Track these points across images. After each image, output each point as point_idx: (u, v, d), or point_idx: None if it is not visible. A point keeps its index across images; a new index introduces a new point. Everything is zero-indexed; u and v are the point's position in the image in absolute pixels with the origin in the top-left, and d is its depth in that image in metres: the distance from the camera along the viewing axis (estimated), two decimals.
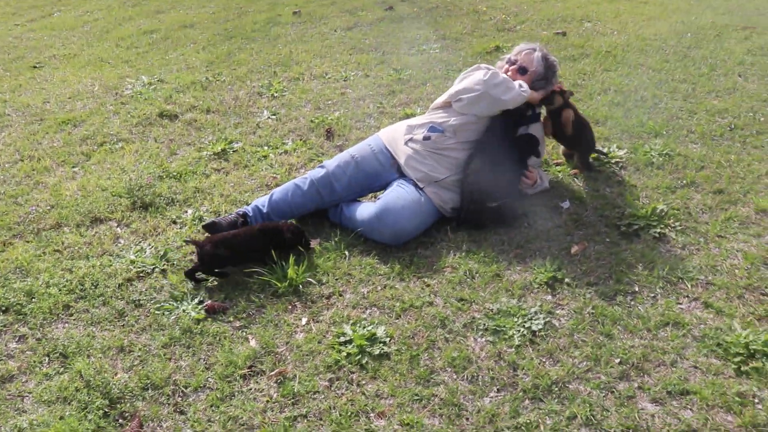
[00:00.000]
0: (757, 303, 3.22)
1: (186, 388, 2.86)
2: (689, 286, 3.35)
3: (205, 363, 3.00)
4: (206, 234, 3.75)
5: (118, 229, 4.11)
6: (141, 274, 3.64)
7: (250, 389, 2.84)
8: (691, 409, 2.64)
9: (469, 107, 3.99)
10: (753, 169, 4.47)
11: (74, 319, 3.33)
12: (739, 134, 5.04)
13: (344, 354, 3.00)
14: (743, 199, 4.11)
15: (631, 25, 8.34)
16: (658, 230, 3.80)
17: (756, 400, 2.67)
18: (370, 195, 4.19)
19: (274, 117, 5.80)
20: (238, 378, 2.89)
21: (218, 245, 3.52)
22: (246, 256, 3.61)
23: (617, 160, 4.65)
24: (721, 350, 2.92)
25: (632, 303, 3.25)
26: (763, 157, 4.65)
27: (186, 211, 4.25)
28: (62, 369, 3.00)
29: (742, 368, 2.81)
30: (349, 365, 2.94)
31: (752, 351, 2.88)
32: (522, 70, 4.20)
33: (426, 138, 4.01)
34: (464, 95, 3.99)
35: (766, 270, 3.46)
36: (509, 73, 4.23)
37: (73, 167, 5.00)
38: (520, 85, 4.02)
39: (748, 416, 2.57)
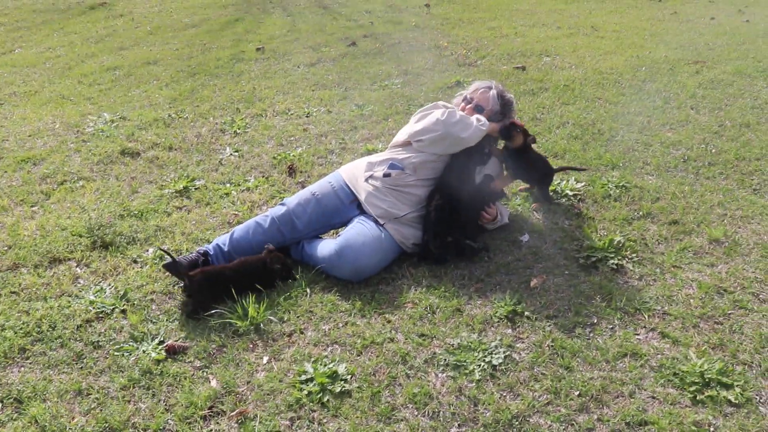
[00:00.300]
0: (711, 332, 3.29)
1: (145, 430, 2.80)
2: (646, 317, 3.41)
3: (165, 404, 2.95)
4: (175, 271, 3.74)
5: (78, 269, 4.05)
6: (100, 315, 3.58)
7: (211, 430, 2.80)
8: None
9: (430, 147, 4.05)
10: (706, 199, 4.59)
11: (30, 363, 3.25)
12: (692, 166, 5.18)
13: (305, 392, 2.98)
14: (697, 230, 4.21)
15: (588, 60, 8.55)
16: (616, 262, 3.87)
17: (712, 429, 2.71)
18: (331, 232, 4.20)
19: (236, 154, 5.80)
20: (198, 419, 2.85)
21: (209, 277, 3.57)
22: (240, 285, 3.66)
23: (575, 192, 4.73)
24: (678, 380, 2.97)
25: (591, 335, 3.29)
26: (715, 188, 4.78)
27: (147, 250, 4.20)
28: (16, 415, 2.91)
29: (697, 397, 2.86)
30: (311, 403, 2.92)
31: (707, 380, 2.93)
32: (478, 109, 4.29)
33: (386, 175, 4.04)
34: (424, 136, 4.04)
35: (720, 299, 3.54)
36: (465, 112, 4.30)
37: (32, 206, 4.92)
38: (478, 119, 4.09)
39: None
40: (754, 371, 3.03)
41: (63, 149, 6.04)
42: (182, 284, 3.75)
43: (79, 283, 3.92)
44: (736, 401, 2.83)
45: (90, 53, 10.19)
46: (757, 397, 2.88)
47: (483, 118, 4.13)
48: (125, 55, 9.92)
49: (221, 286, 3.61)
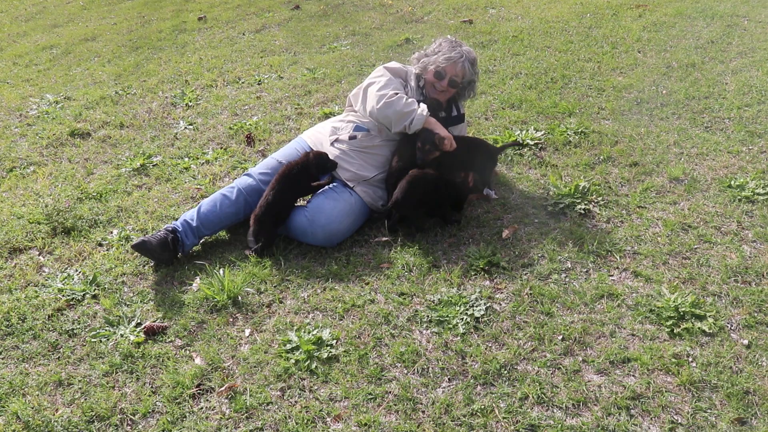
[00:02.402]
0: (681, 267, 3.39)
1: (134, 415, 2.77)
2: (618, 258, 3.50)
3: (151, 387, 2.91)
4: None
5: (41, 257, 3.93)
6: (71, 303, 3.50)
7: (201, 408, 2.78)
8: (633, 376, 2.77)
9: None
10: (662, 140, 4.70)
11: (3, 358, 3.16)
12: (645, 108, 5.28)
13: (293, 361, 2.98)
14: (657, 170, 4.32)
15: (533, 9, 8.57)
16: (583, 206, 3.94)
17: (690, 359, 2.82)
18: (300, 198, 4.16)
19: (191, 127, 5.67)
20: (187, 398, 2.83)
21: None
22: None
23: (536, 141, 4.78)
24: (654, 316, 3.07)
25: (567, 280, 3.36)
26: (669, 128, 4.89)
27: (111, 232, 4.11)
28: None
29: (674, 330, 2.97)
30: (299, 372, 2.93)
31: (682, 313, 3.04)
32: (452, 83, 4.13)
33: (352, 137, 4.01)
34: (366, 117, 4.05)
35: (685, 235, 3.65)
36: (440, 87, 4.14)
37: None
38: (420, 108, 3.92)
39: (685, 375, 2.72)
40: (723, 301, 3.15)
41: (7, 135, 5.82)
42: (153, 263, 3.69)
43: (44, 271, 3.82)
44: (710, 331, 2.95)
45: (21, 32, 9.77)
46: (729, 325, 3.00)
47: (422, 110, 3.89)
48: (60, 33, 9.54)
49: (280, 212, 3.82)
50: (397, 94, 3.91)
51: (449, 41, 4.20)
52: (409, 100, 3.91)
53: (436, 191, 3.84)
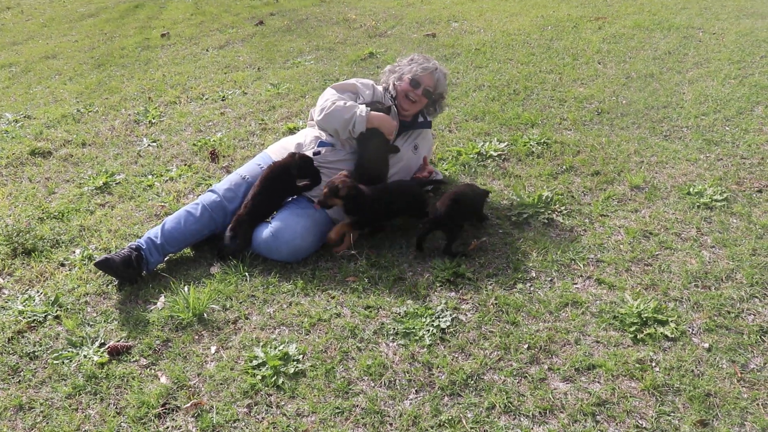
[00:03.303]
0: (643, 274, 3.45)
1: None
2: (581, 266, 3.54)
3: (116, 408, 2.86)
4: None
5: (0, 279, 3.85)
6: (32, 324, 3.42)
7: (168, 428, 2.74)
8: (598, 382, 2.79)
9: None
10: (623, 149, 4.78)
11: None
12: (606, 117, 5.37)
13: (259, 377, 2.95)
14: (618, 178, 4.39)
15: (495, 23, 8.69)
16: (546, 216, 3.98)
17: (653, 364, 2.86)
18: None
19: (154, 144, 5.62)
20: (153, 418, 2.78)
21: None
22: None
23: (500, 153, 4.83)
24: (618, 322, 3.10)
25: (532, 289, 3.39)
26: (629, 137, 4.97)
27: (74, 252, 4.04)
28: None
29: (638, 336, 3.01)
30: (266, 388, 2.90)
31: (644, 319, 3.08)
32: (426, 92, 4.15)
33: (316, 153, 4.01)
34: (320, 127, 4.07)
35: (647, 242, 3.71)
36: (414, 96, 4.13)
37: None
38: (360, 111, 3.91)
39: (649, 380, 2.75)
40: (684, 306, 3.20)
41: None
42: (117, 282, 3.64)
43: (4, 293, 3.73)
44: (672, 335, 2.99)
45: None
46: (690, 329, 3.05)
47: (362, 110, 3.89)
48: (20, 50, 9.41)
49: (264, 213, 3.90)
50: (334, 103, 3.93)
51: (422, 56, 4.27)
52: (348, 104, 3.93)
53: (479, 206, 3.97)
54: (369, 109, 3.92)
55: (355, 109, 3.89)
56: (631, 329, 3.04)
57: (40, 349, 3.25)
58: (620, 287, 3.35)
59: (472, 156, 4.80)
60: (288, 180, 3.90)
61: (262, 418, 2.75)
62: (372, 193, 3.79)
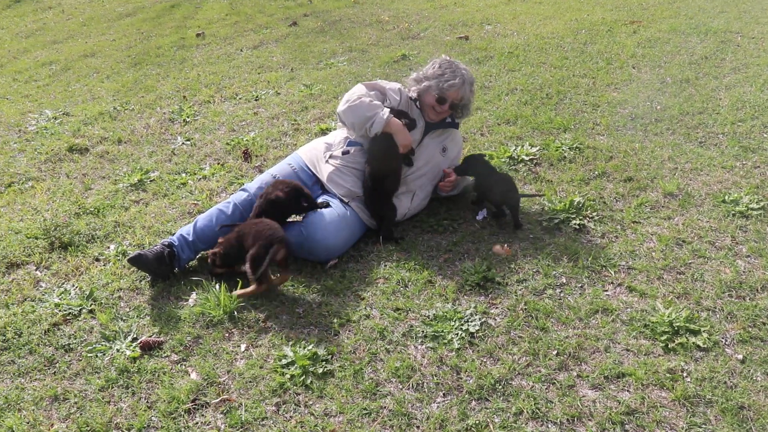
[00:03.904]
0: (675, 282, 3.41)
1: (129, 430, 2.77)
2: (612, 273, 3.51)
3: (147, 402, 2.91)
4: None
5: (38, 272, 3.94)
6: (68, 317, 3.50)
7: (197, 423, 2.78)
8: (628, 391, 2.77)
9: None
10: (656, 155, 4.73)
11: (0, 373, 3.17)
12: (640, 123, 5.32)
13: (288, 376, 2.98)
14: (651, 185, 4.34)
15: (528, 26, 8.64)
16: (578, 222, 3.96)
17: (685, 374, 2.83)
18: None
19: (188, 142, 5.70)
20: (182, 413, 2.82)
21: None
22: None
23: (531, 157, 4.81)
24: (649, 331, 3.07)
25: (562, 295, 3.37)
26: (663, 143, 4.92)
27: (108, 247, 4.11)
28: None
29: (669, 345, 2.97)
30: (294, 387, 2.93)
31: (676, 328, 3.05)
32: (453, 106, 4.16)
33: (345, 153, 4.03)
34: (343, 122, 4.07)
35: (680, 250, 3.67)
36: (439, 111, 4.15)
37: None
38: (381, 113, 3.91)
39: (680, 390, 2.72)
40: (717, 316, 3.16)
41: (6, 150, 5.84)
42: (149, 278, 3.71)
43: (41, 286, 3.81)
44: (705, 346, 2.96)
45: (22, 49, 9.82)
46: (723, 340, 3.01)
47: (384, 113, 3.90)
48: (60, 49, 9.59)
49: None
50: (361, 98, 3.93)
51: (449, 64, 4.16)
52: (374, 102, 3.93)
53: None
54: (391, 114, 3.92)
55: (378, 110, 3.90)
56: (663, 338, 3.01)
57: (74, 341, 3.32)
58: (652, 295, 3.32)
59: (503, 160, 4.78)
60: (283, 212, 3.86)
61: (290, 416, 2.78)
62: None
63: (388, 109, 3.94)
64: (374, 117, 3.87)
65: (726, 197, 4.10)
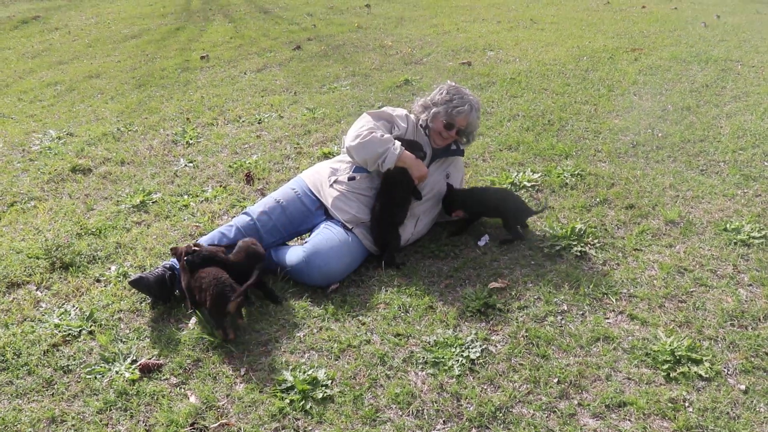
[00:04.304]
0: (677, 310, 3.40)
1: None
2: (614, 301, 3.50)
3: (145, 425, 2.89)
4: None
5: (38, 292, 3.93)
6: (67, 338, 3.48)
7: None
8: (629, 420, 2.75)
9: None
10: (658, 182, 4.74)
11: None
12: (641, 150, 5.34)
13: (287, 401, 2.96)
14: (653, 212, 4.35)
15: (531, 52, 8.71)
16: (579, 249, 3.96)
17: (687, 404, 2.81)
18: (297, 238, 4.18)
19: (191, 164, 5.72)
20: None
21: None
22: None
23: (533, 183, 4.82)
24: (650, 359, 3.06)
25: (563, 322, 3.37)
26: (665, 170, 4.93)
27: (109, 268, 4.11)
28: None
29: (671, 375, 2.96)
30: (294, 412, 2.91)
31: (678, 357, 3.03)
32: (461, 132, 4.21)
33: (351, 179, 4.04)
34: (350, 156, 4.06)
35: (681, 278, 3.66)
36: (446, 136, 4.18)
37: None
38: (393, 147, 3.92)
39: (681, 420, 2.71)
40: (720, 345, 3.15)
41: (9, 169, 5.86)
42: (150, 300, 3.70)
43: (41, 306, 3.81)
44: (707, 375, 2.94)
45: (28, 69, 9.89)
46: (725, 370, 3.00)
47: (396, 147, 3.91)
48: (65, 70, 9.66)
49: None
50: (371, 132, 3.94)
51: (456, 90, 4.20)
52: (385, 137, 3.94)
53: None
54: (403, 148, 3.94)
55: (390, 144, 3.90)
56: (664, 367, 2.99)
57: (73, 363, 3.31)
58: (653, 323, 3.31)
59: (505, 186, 4.79)
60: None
61: None
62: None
63: (399, 143, 3.94)
64: (386, 153, 3.88)
65: (727, 225, 4.10)
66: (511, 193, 4.36)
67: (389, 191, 3.96)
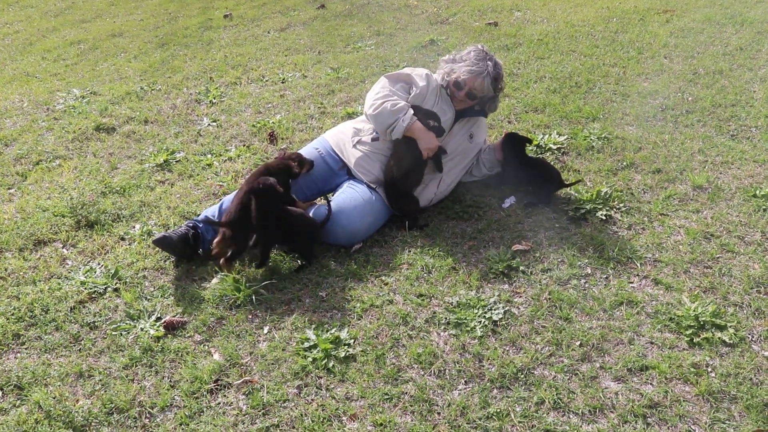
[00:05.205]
0: (702, 276, 3.36)
1: (152, 408, 2.80)
2: (638, 265, 3.47)
3: (170, 381, 2.94)
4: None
5: (64, 250, 3.99)
6: (93, 295, 3.54)
7: (219, 403, 2.81)
8: (651, 384, 2.75)
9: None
10: (686, 147, 4.66)
11: (26, 348, 3.20)
12: (670, 114, 5.23)
13: (310, 359, 2.99)
14: (680, 177, 4.28)
15: (559, 13, 8.53)
16: (604, 212, 3.92)
17: (709, 369, 2.79)
18: (320, 198, 4.18)
19: (214, 124, 5.72)
20: (205, 393, 2.85)
21: None
22: None
23: (559, 146, 4.76)
24: (674, 324, 3.04)
25: (586, 286, 3.35)
26: (694, 135, 4.84)
27: (134, 227, 4.15)
28: (19, 401, 2.88)
29: (694, 340, 2.94)
30: (316, 370, 2.94)
31: (702, 323, 3.01)
32: (470, 95, 4.10)
33: (374, 139, 4.01)
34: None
35: (707, 244, 3.62)
36: (459, 96, 4.11)
37: (9, 189, 4.81)
38: (403, 116, 3.88)
39: (704, 385, 2.69)
40: (745, 311, 3.12)
41: (34, 128, 5.90)
42: (174, 259, 3.74)
43: (68, 264, 3.86)
44: (731, 341, 2.92)
45: (51, 27, 9.91)
46: (750, 336, 2.97)
47: (405, 118, 3.86)
48: (88, 28, 9.66)
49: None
50: (385, 101, 3.89)
51: (479, 51, 4.11)
52: (397, 106, 3.86)
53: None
54: (415, 118, 3.88)
55: (400, 114, 3.85)
56: (688, 332, 2.97)
57: (99, 319, 3.36)
58: (678, 289, 3.28)
59: (531, 148, 4.74)
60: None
61: (312, 399, 2.80)
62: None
63: (411, 113, 3.88)
64: (395, 123, 3.84)
65: (757, 192, 4.03)
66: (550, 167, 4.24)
67: (399, 161, 3.94)
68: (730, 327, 2.99)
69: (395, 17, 8.90)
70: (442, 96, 4.13)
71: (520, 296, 3.32)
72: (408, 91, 4.06)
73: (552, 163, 4.54)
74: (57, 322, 3.35)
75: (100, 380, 2.97)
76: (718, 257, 3.51)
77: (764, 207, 3.89)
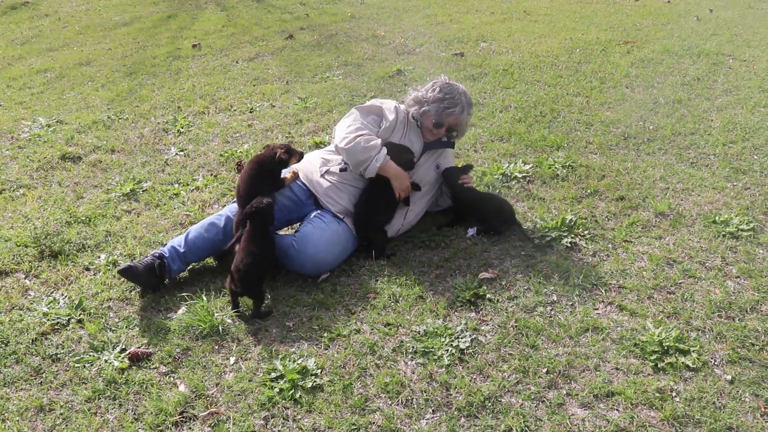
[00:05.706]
0: (665, 302, 3.42)
1: None
2: (603, 292, 3.52)
3: (134, 413, 2.89)
4: None
5: (27, 280, 3.91)
6: (56, 327, 3.47)
7: None
8: (617, 410, 2.77)
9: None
10: (648, 174, 4.76)
11: None
12: (632, 143, 5.35)
13: (277, 390, 2.96)
14: (643, 204, 4.37)
15: (524, 44, 8.70)
16: (569, 240, 3.97)
17: (674, 394, 2.83)
18: (288, 227, 4.18)
19: (182, 153, 5.69)
20: (170, 425, 2.80)
21: None
22: None
23: (524, 174, 4.83)
24: (639, 350, 3.08)
25: (552, 313, 3.38)
26: (655, 163, 4.95)
27: (99, 257, 4.10)
28: None
29: (658, 365, 2.98)
30: (283, 401, 2.91)
31: (666, 348, 3.06)
32: (450, 130, 4.21)
33: (342, 170, 4.03)
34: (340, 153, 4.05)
35: (670, 270, 3.68)
36: (435, 133, 4.17)
37: None
38: (377, 155, 3.88)
39: (668, 410, 2.73)
40: (707, 336, 3.17)
41: None
42: (139, 289, 3.70)
43: (30, 295, 3.79)
44: (694, 366, 2.96)
45: (17, 55, 9.79)
46: (712, 360, 3.02)
47: (378, 158, 3.86)
48: (55, 57, 9.58)
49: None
50: (358, 135, 3.90)
51: (449, 88, 4.13)
52: (371, 143, 3.87)
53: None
54: (387, 157, 3.90)
55: (373, 152, 3.86)
56: (652, 357, 3.01)
57: (62, 351, 3.30)
58: (642, 314, 3.33)
59: (496, 177, 4.80)
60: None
61: (279, 430, 2.77)
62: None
63: (384, 152, 3.90)
64: (369, 162, 3.86)
65: (716, 218, 4.12)
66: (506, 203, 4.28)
67: (371, 195, 3.97)
68: (693, 351, 3.04)
69: (362, 48, 8.98)
70: (411, 127, 4.17)
71: (487, 324, 3.34)
72: (379, 124, 4.09)
73: (517, 191, 4.60)
74: (17, 355, 3.27)
75: (61, 414, 2.91)
76: (680, 283, 3.57)
77: (724, 232, 3.98)
